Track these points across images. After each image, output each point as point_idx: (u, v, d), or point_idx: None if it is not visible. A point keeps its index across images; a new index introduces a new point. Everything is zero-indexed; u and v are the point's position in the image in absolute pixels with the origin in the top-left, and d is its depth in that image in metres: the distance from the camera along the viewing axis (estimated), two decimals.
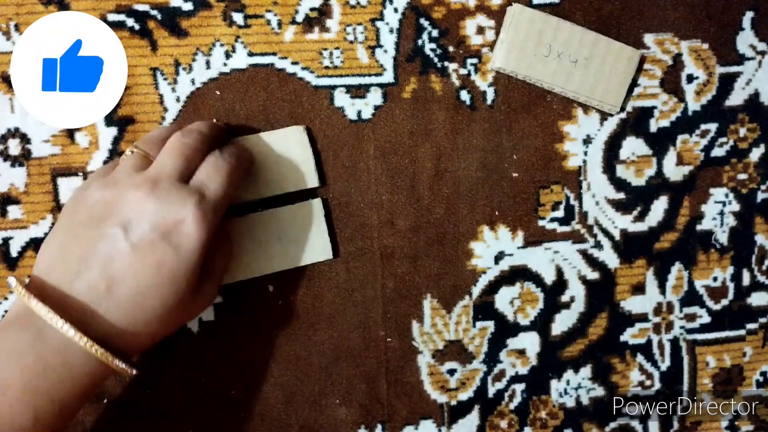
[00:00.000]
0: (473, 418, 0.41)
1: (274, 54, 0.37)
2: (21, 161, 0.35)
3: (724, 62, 0.40)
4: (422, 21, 0.38)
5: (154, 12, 0.36)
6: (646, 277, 0.41)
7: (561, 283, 0.41)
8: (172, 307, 0.29)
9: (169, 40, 0.36)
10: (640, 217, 0.41)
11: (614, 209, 0.41)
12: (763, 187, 0.42)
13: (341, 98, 0.37)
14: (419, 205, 0.39)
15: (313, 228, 0.37)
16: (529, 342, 0.41)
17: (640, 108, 0.40)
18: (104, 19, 0.35)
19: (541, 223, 0.40)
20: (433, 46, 0.38)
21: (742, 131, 0.41)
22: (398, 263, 0.39)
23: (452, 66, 0.38)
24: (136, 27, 0.35)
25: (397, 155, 0.38)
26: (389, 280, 0.39)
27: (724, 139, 0.41)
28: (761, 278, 0.42)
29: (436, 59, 0.38)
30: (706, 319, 0.42)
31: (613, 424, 0.42)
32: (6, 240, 0.36)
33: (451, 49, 0.38)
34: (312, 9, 0.37)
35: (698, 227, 0.41)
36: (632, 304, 0.41)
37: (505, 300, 0.40)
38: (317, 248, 0.37)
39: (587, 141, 0.40)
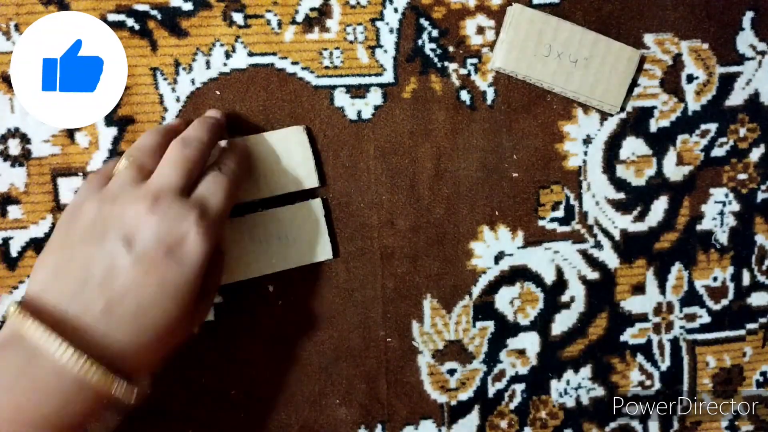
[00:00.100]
0: (473, 418, 0.41)
1: (274, 54, 0.37)
2: (21, 161, 0.35)
3: (724, 62, 0.40)
4: (422, 21, 0.38)
5: (154, 12, 0.36)
6: (646, 277, 0.41)
7: (561, 283, 0.41)
8: (173, 323, 0.28)
9: (169, 40, 0.36)
10: (640, 217, 0.41)
11: (614, 209, 0.41)
12: (763, 187, 0.42)
13: (341, 98, 0.37)
14: (419, 205, 0.39)
15: (313, 228, 0.37)
16: (529, 342, 0.41)
17: (640, 108, 0.40)
18: (104, 19, 0.35)
19: (541, 223, 0.40)
20: (433, 46, 0.38)
21: (742, 131, 0.41)
22: (398, 263, 0.39)
23: (452, 66, 0.38)
24: (136, 27, 0.35)
25: (397, 155, 0.38)
26: (389, 280, 0.39)
27: (724, 139, 0.41)
28: (761, 278, 0.42)
29: (436, 59, 0.38)
30: (706, 319, 0.42)
31: (613, 424, 0.42)
32: (6, 240, 0.36)
33: (451, 49, 0.38)
34: (312, 9, 0.37)
35: (698, 227, 0.41)
36: (632, 304, 0.41)
37: (505, 300, 0.40)
38: (317, 248, 0.37)
39: (587, 141, 0.40)
